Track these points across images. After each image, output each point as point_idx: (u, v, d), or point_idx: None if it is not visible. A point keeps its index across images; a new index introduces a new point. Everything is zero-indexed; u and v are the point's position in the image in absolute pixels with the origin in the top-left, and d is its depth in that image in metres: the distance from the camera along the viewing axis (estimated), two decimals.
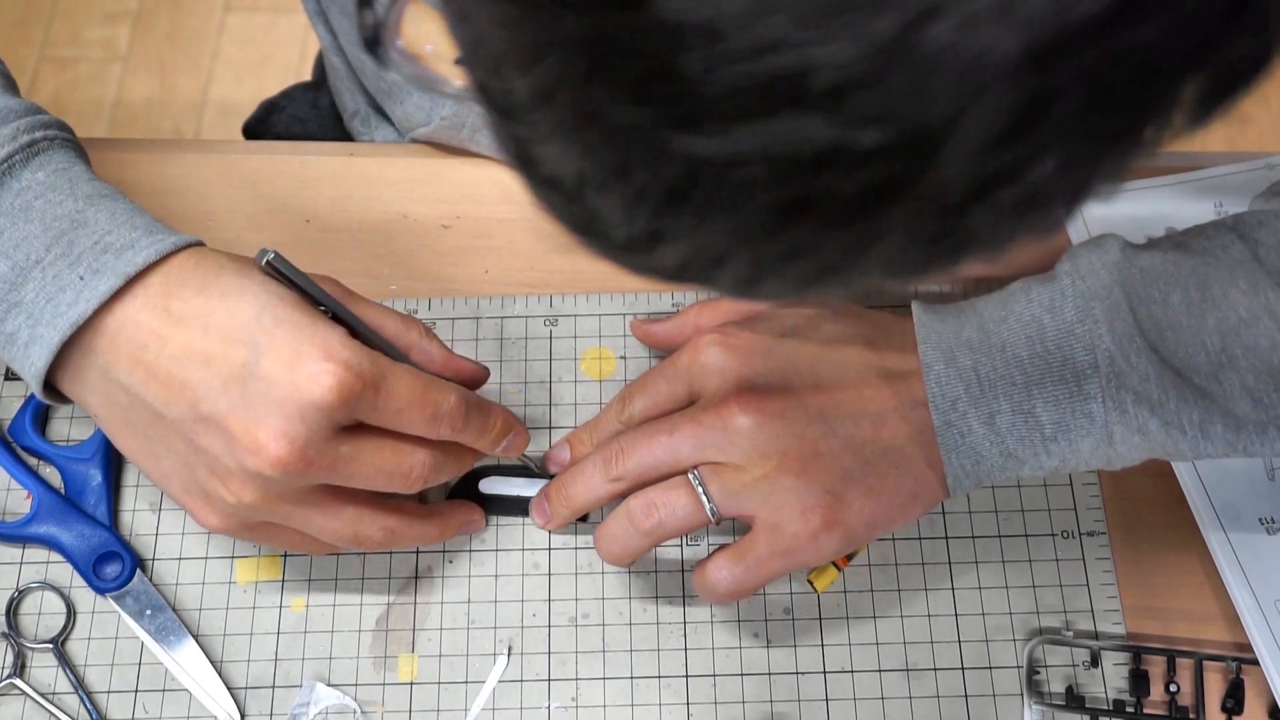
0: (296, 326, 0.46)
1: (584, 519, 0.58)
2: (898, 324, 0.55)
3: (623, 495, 0.54)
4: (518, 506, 0.59)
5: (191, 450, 0.47)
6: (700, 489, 0.52)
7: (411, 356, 0.53)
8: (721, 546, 0.53)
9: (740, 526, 0.54)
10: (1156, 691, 0.55)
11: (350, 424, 0.48)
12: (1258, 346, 0.48)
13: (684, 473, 0.52)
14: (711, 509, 0.52)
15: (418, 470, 0.50)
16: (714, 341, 0.54)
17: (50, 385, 0.50)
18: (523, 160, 0.29)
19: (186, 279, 0.48)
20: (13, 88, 0.54)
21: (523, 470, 0.59)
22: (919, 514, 0.54)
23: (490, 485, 0.59)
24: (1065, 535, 0.59)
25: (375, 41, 0.37)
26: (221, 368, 0.46)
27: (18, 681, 0.55)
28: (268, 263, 0.48)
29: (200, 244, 0.50)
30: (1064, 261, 0.52)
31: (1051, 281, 0.52)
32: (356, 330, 0.50)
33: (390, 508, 0.52)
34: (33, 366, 0.48)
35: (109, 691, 0.55)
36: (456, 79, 0.37)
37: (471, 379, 0.55)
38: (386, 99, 0.70)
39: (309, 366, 0.45)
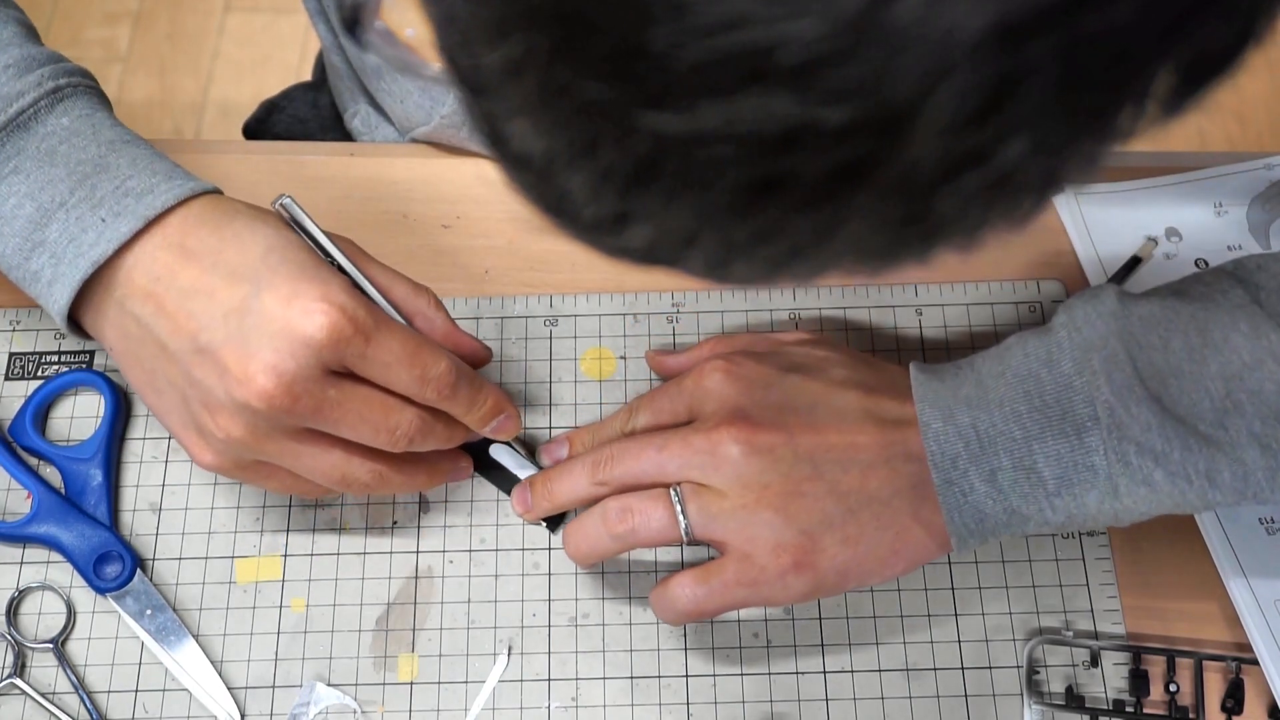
0: (300, 267, 0.48)
1: (559, 522, 0.58)
2: (901, 376, 0.54)
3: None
4: (509, 483, 0.59)
5: (188, 383, 0.48)
6: (678, 505, 0.52)
7: (415, 323, 0.53)
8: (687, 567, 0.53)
9: (712, 554, 0.54)
10: (1156, 691, 0.55)
11: (341, 370, 0.48)
12: (1263, 391, 0.47)
13: (666, 487, 0.52)
14: (685, 527, 0.52)
15: (403, 429, 0.50)
16: (719, 368, 0.54)
17: (73, 321, 0.52)
18: (494, 138, 0.29)
19: (204, 219, 0.50)
20: (35, 37, 0.55)
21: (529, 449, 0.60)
22: (899, 571, 0.52)
23: (498, 452, 0.59)
24: (1065, 535, 0.59)
25: (355, 23, 0.37)
26: (223, 301, 0.47)
27: (18, 681, 0.55)
28: (281, 205, 0.50)
29: (218, 191, 0.52)
30: (1059, 314, 0.51)
31: (1047, 334, 0.51)
32: (361, 288, 0.51)
33: (378, 453, 0.52)
34: (56, 304, 0.50)
35: (109, 691, 0.55)
36: (435, 62, 0.37)
37: (471, 355, 0.55)
38: (386, 98, 0.70)
39: (304, 304, 0.46)
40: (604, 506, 0.53)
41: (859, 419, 0.53)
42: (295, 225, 0.51)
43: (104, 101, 0.54)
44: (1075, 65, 0.23)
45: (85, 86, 0.53)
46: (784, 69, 0.22)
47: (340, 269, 0.51)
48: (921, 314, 0.64)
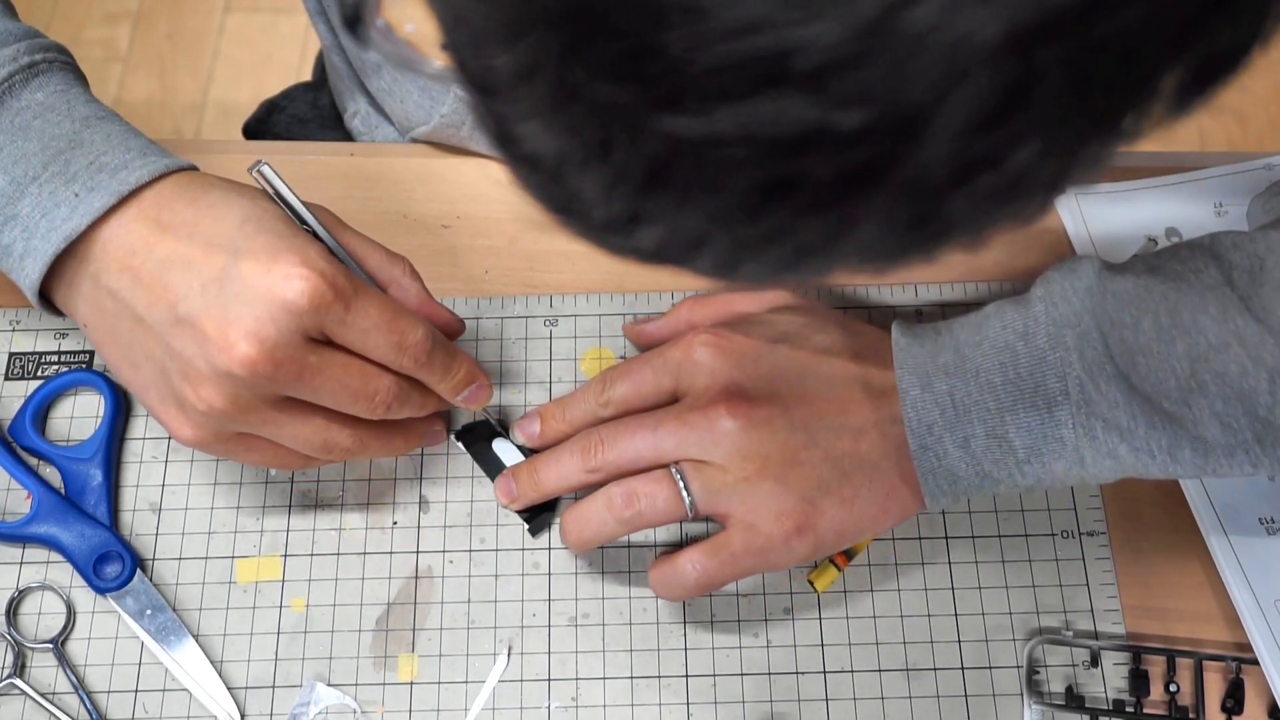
0: (278, 235, 0.48)
1: (540, 526, 0.58)
2: (883, 339, 0.55)
3: (596, 485, 0.54)
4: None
5: (168, 355, 0.48)
6: (682, 484, 0.52)
7: (390, 291, 0.54)
8: (689, 543, 0.54)
9: (712, 526, 0.54)
10: (1156, 691, 0.55)
11: (320, 337, 0.49)
12: (1227, 372, 0.48)
13: (665, 467, 0.53)
14: (690, 504, 0.52)
15: (382, 395, 0.50)
16: (707, 342, 0.55)
17: (45, 298, 0.52)
18: (503, 139, 0.29)
19: (179, 193, 0.50)
20: (12, 12, 0.55)
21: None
22: (888, 525, 0.55)
23: (501, 446, 0.59)
24: (1065, 535, 0.59)
25: (356, 20, 0.37)
26: (201, 271, 0.47)
27: (18, 681, 0.55)
28: (258, 172, 0.50)
29: (194, 167, 0.52)
30: (1038, 286, 0.52)
31: (1025, 306, 0.52)
32: (337, 255, 0.52)
33: (356, 419, 0.52)
34: (27, 278, 0.50)
35: (109, 691, 0.55)
36: (437, 59, 0.37)
37: (444, 326, 0.55)
38: (386, 98, 0.70)
39: (284, 270, 0.47)
40: (607, 493, 0.53)
41: (848, 385, 0.54)
42: (272, 191, 0.51)
43: (79, 78, 0.54)
44: (1086, 69, 0.23)
45: (61, 63, 0.53)
46: (800, 73, 0.23)
47: (316, 236, 0.51)
48: (921, 314, 0.64)
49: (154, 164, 0.50)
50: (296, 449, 0.52)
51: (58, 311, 0.53)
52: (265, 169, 0.50)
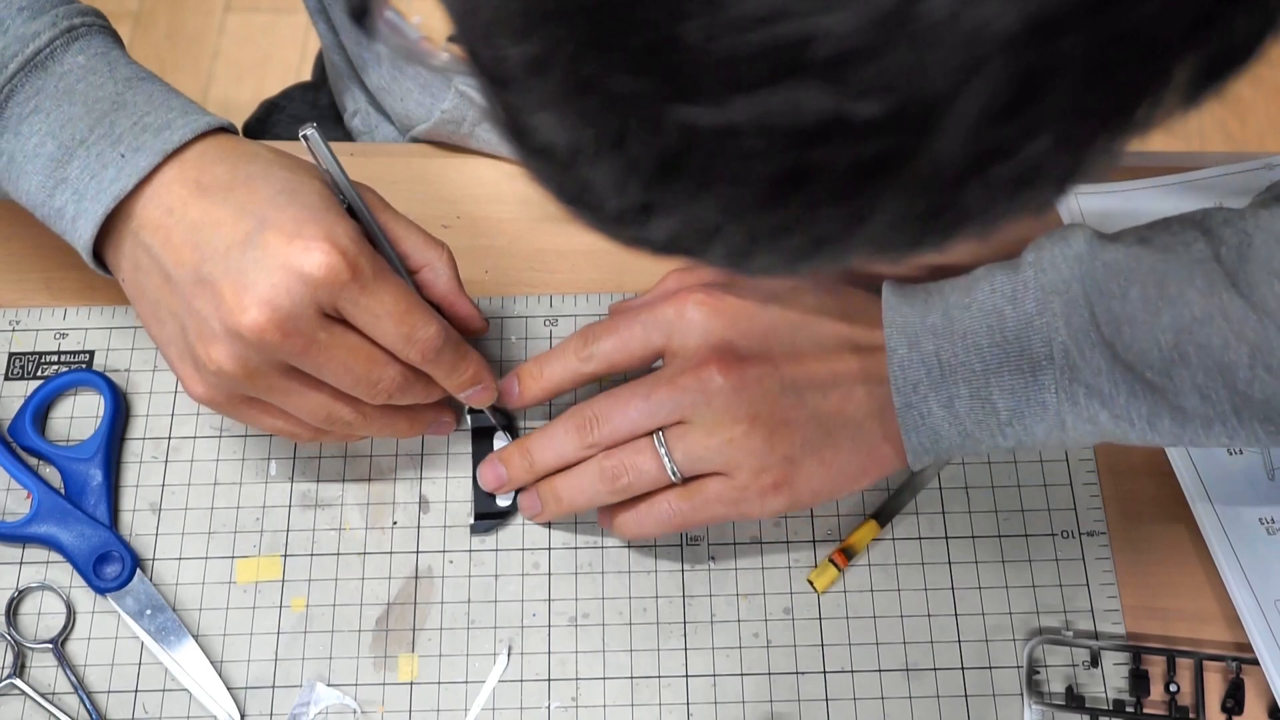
0: (309, 209, 0.49)
1: (488, 526, 0.59)
2: (871, 301, 0.56)
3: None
4: None
5: (188, 313, 0.49)
6: (664, 452, 0.53)
7: (420, 275, 0.54)
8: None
9: None
10: (1156, 691, 0.55)
11: (335, 314, 0.49)
12: (1209, 345, 0.49)
13: (654, 433, 0.53)
14: (673, 470, 0.53)
15: (384, 384, 0.51)
16: (701, 301, 0.55)
17: (98, 257, 0.52)
18: (514, 129, 0.29)
19: (222, 157, 0.51)
20: None
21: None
22: (866, 486, 0.56)
23: (502, 443, 0.60)
24: (1065, 535, 0.59)
25: (363, 12, 0.37)
26: (228, 235, 0.48)
27: (18, 681, 0.55)
28: (304, 136, 0.50)
29: (232, 127, 0.53)
30: (1029, 251, 0.53)
31: (1015, 271, 0.52)
32: (370, 233, 0.52)
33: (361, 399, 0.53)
34: (81, 239, 0.51)
35: (109, 691, 0.55)
36: (444, 52, 0.37)
37: (466, 320, 0.56)
38: (386, 96, 0.70)
39: (305, 242, 0.47)
40: (599, 466, 0.54)
41: (838, 346, 0.55)
42: (315, 158, 0.51)
43: (117, 40, 0.55)
44: (1102, 60, 0.23)
45: (99, 25, 0.54)
46: (817, 62, 0.23)
47: (352, 212, 0.51)
48: None
49: (195, 122, 0.51)
50: (302, 419, 0.52)
51: (109, 271, 0.53)
52: (312, 133, 0.50)
